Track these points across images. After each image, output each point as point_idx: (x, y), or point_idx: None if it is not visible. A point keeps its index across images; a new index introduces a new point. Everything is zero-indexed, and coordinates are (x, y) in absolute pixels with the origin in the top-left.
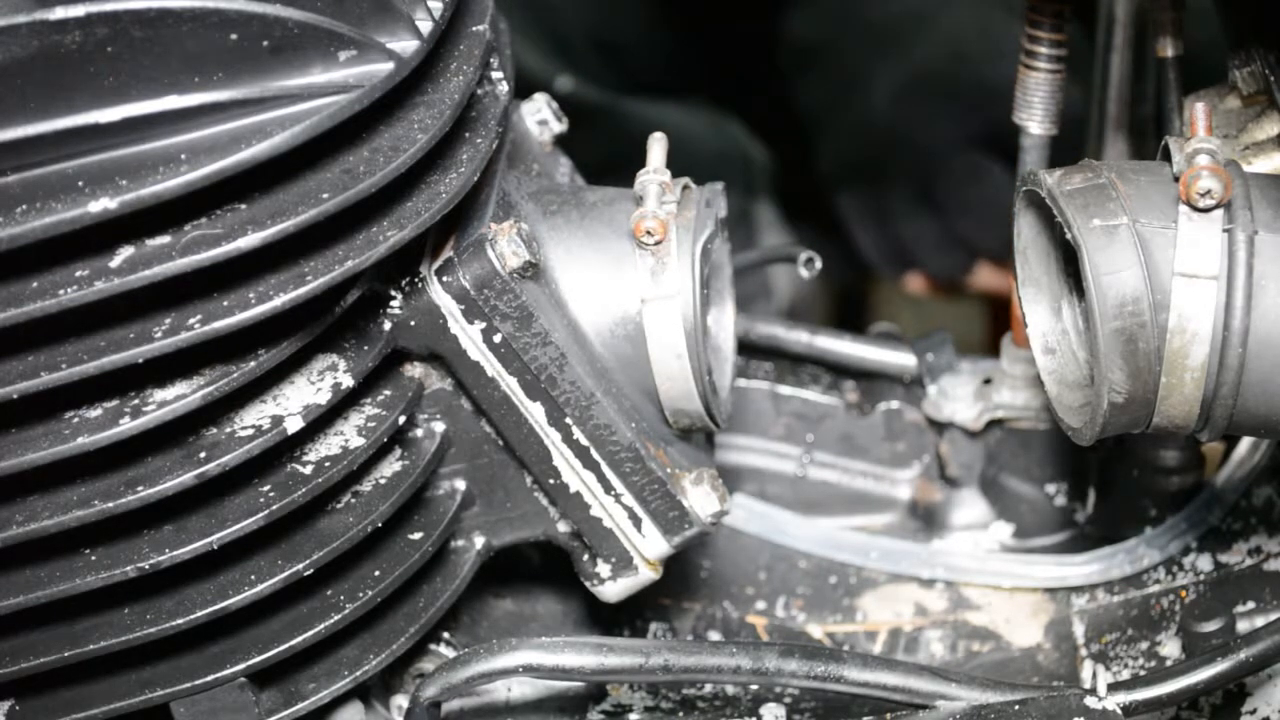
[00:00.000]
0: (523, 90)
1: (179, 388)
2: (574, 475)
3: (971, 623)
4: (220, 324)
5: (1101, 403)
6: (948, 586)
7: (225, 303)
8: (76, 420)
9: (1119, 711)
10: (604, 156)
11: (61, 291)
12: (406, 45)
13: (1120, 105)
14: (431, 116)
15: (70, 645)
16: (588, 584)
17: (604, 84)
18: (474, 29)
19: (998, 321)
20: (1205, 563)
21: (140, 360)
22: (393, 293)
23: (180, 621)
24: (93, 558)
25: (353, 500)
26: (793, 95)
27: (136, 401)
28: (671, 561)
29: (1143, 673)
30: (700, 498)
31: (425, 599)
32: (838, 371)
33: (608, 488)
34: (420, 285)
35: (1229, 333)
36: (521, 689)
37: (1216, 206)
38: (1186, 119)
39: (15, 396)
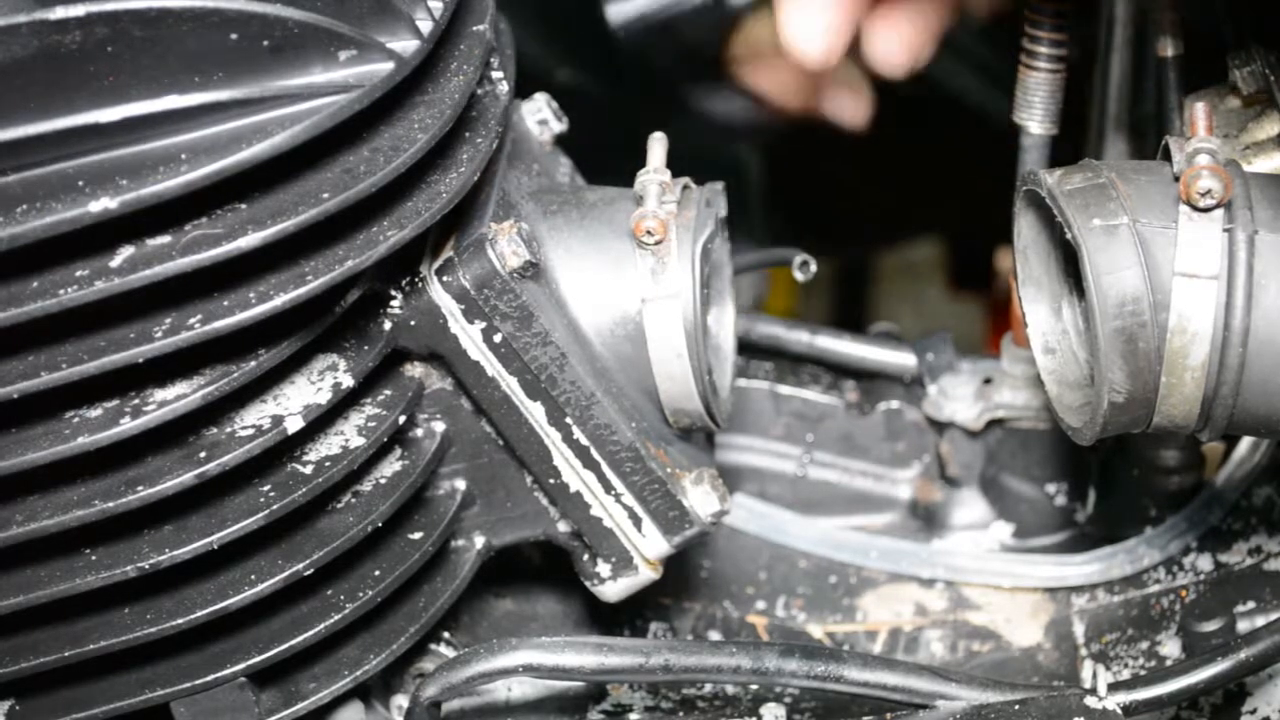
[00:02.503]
0: (522, 89)
1: (179, 387)
2: (574, 475)
3: (971, 622)
4: (220, 324)
5: (1101, 402)
6: (948, 586)
7: (225, 302)
8: (76, 420)
9: (1119, 711)
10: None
11: (61, 291)
12: (407, 45)
13: (1120, 105)
14: (432, 116)
15: (70, 645)
16: (588, 584)
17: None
18: (474, 29)
19: (998, 321)
20: (1205, 562)
21: (140, 360)
22: (393, 292)
23: (180, 621)
24: (93, 558)
25: (353, 500)
26: None
27: (136, 401)
28: (671, 561)
29: (1143, 673)
30: (700, 497)
31: (425, 599)
32: (838, 371)
33: (608, 487)
34: (420, 285)
35: (1229, 332)
36: (521, 689)
37: (1217, 206)
38: (1186, 119)
39: (15, 396)
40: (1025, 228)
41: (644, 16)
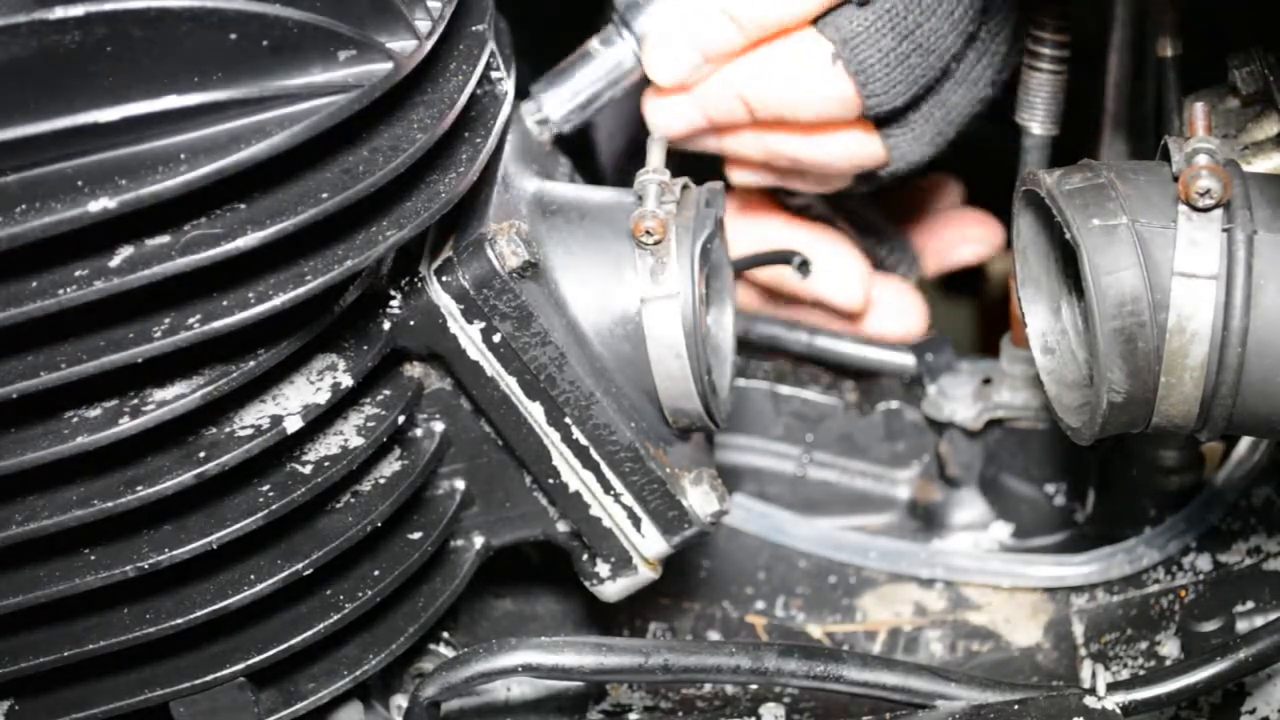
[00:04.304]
0: (521, 89)
1: (178, 387)
2: (573, 475)
3: (971, 622)
4: (220, 324)
5: (1101, 402)
6: (947, 586)
7: (225, 302)
8: (76, 420)
9: (1118, 711)
10: None
11: (61, 291)
12: (406, 45)
13: (1120, 105)
14: (431, 116)
15: (70, 645)
16: (587, 584)
17: None
18: (474, 29)
19: (988, 325)
20: (1205, 562)
21: (140, 360)
22: (392, 292)
23: (180, 621)
24: (92, 558)
25: (352, 500)
26: None
27: (136, 401)
28: (671, 561)
29: (1142, 673)
30: (700, 497)
31: (425, 599)
32: (838, 371)
33: (607, 487)
34: (420, 285)
35: (1228, 332)
36: (521, 689)
37: (1216, 206)
38: (1186, 119)
39: (15, 396)
40: (1024, 228)
41: (581, 106)
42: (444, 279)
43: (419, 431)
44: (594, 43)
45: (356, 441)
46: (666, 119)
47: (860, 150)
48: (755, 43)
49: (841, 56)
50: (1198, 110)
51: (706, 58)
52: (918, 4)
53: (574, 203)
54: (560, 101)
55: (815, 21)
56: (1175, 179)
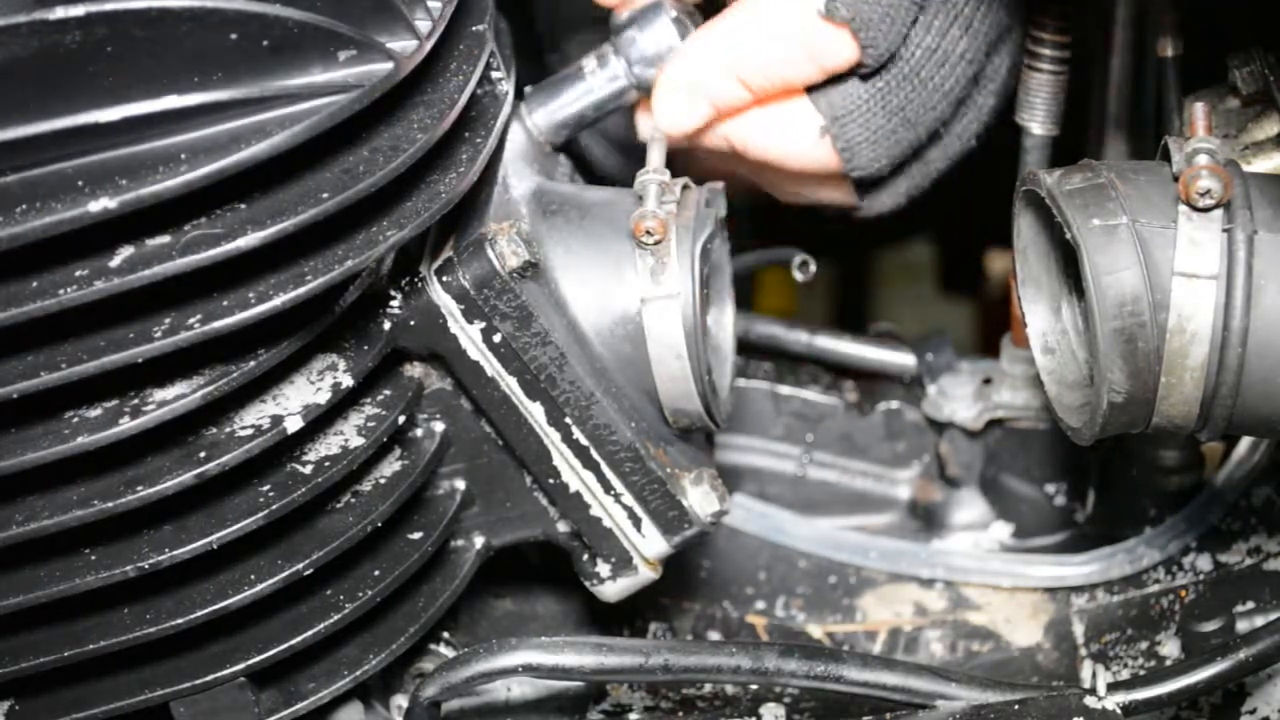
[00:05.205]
0: (521, 89)
1: (179, 387)
2: (574, 475)
3: (971, 622)
4: (220, 324)
5: (1101, 402)
6: (947, 586)
7: (225, 302)
8: (76, 420)
9: (1119, 711)
10: None
11: (61, 291)
12: (406, 45)
13: (1120, 105)
14: (431, 116)
15: (70, 645)
16: (587, 584)
17: None
18: (474, 29)
19: (988, 324)
20: (1205, 562)
21: (140, 360)
22: (392, 292)
23: (180, 621)
24: (93, 558)
25: (352, 500)
26: None
27: (136, 401)
28: (671, 561)
29: (1142, 673)
30: (700, 497)
31: (425, 599)
32: (838, 371)
33: (607, 487)
34: (420, 285)
35: (1228, 332)
36: (521, 689)
37: (1216, 206)
38: (1186, 119)
39: (15, 396)
40: (1025, 228)
41: (569, 123)
42: (444, 279)
43: (419, 431)
44: (589, 63)
45: (357, 441)
46: (654, 134)
47: (833, 196)
48: (757, 101)
49: (830, 131)
50: (1198, 110)
51: (717, 112)
52: (913, 78)
53: (574, 202)
54: (548, 114)
55: (811, 90)
56: (1175, 179)
